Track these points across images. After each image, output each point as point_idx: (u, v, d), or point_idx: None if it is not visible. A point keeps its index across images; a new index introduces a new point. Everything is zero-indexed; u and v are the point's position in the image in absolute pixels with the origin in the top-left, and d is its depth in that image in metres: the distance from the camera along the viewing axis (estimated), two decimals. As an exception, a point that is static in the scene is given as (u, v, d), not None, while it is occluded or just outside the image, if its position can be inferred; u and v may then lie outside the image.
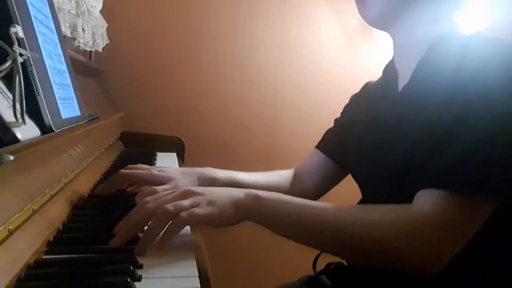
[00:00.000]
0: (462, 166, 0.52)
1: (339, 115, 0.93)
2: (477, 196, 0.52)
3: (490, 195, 0.52)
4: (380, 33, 1.90)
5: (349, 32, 1.79)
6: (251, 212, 0.56)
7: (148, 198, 0.55)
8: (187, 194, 0.55)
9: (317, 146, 0.91)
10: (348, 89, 1.74)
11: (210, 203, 0.54)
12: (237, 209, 0.55)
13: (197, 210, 0.52)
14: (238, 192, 0.57)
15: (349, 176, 0.85)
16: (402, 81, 0.68)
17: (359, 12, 0.69)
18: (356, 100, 0.88)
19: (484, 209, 0.52)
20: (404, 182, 0.60)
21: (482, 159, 0.51)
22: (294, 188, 0.89)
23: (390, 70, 0.75)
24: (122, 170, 0.73)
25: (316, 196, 0.89)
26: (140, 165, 0.78)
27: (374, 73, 0.89)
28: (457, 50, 0.60)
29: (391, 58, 0.76)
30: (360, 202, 0.79)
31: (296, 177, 0.91)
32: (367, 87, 0.86)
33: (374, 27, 0.71)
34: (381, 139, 0.68)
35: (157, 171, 0.75)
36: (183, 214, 0.51)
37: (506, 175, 0.51)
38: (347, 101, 0.94)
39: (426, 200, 0.53)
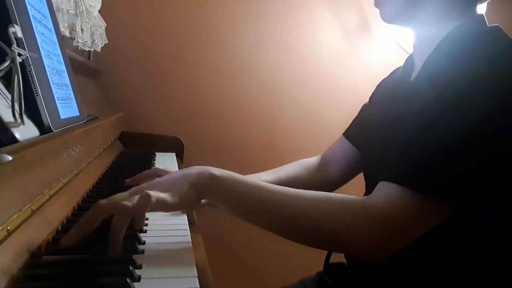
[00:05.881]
0: (426, 167, 0.51)
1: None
2: (432, 200, 0.51)
3: (446, 202, 0.51)
4: (379, 33, 1.90)
5: (348, 32, 1.79)
6: (208, 190, 0.55)
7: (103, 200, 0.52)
8: (142, 188, 0.53)
9: (344, 133, 0.91)
10: (347, 89, 1.76)
11: (167, 188, 0.53)
12: (194, 188, 0.54)
13: (154, 194, 0.50)
14: (193, 171, 0.56)
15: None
16: (415, 73, 0.69)
17: (380, 11, 0.68)
18: (382, 86, 0.87)
19: (436, 214, 0.52)
20: None
21: (447, 164, 0.50)
22: (319, 175, 0.89)
23: (409, 61, 0.75)
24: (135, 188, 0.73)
25: (339, 183, 0.89)
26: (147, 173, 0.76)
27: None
28: (464, 45, 0.59)
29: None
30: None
31: (321, 164, 0.91)
32: (394, 72, 0.85)
33: (394, 24, 0.69)
34: (390, 131, 0.67)
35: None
36: (140, 201, 0.49)
37: (467, 185, 0.51)
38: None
39: (382, 193, 0.53)
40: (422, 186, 0.51)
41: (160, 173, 0.74)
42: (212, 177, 0.55)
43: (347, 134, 0.90)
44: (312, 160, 0.92)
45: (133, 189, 0.55)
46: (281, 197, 0.56)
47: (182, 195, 0.53)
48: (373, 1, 0.68)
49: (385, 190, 0.53)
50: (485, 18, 0.63)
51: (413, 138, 0.54)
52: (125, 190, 0.75)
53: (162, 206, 0.52)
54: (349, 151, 0.88)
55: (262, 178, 0.83)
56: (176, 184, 0.54)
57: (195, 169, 0.57)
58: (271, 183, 0.81)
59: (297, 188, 0.87)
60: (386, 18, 0.68)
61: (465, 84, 0.52)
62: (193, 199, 0.55)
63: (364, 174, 0.79)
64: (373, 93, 0.89)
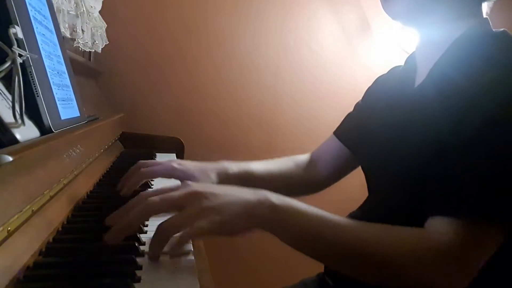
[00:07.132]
0: (480, 195, 0.49)
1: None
2: (493, 225, 0.50)
3: (504, 225, 0.50)
4: (379, 33, 1.90)
5: (348, 32, 1.79)
6: (266, 221, 0.50)
7: (151, 191, 0.51)
8: (193, 196, 0.49)
9: (334, 132, 0.88)
10: (347, 89, 1.76)
11: (219, 211, 0.48)
12: (250, 218, 0.49)
13: (202, 224, 0.47)
14: (252, 197, 0.51)
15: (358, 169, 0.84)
16: (419, 78, 0.66)
17: (382, 6, 0.65)
18: (381, 84, 0.83)
19: (497, 238, 0.51)
20: (412, 187, 0.58)
21: (499, 187, 0.49)
22: (308, 173, 0.87)
23: (411, 62, 0.72)
24: (144, 169, 0.70)
25: (328, 182, 0.87)
26: (157, 161, 0.75)
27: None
28: (475, 52, 0.58)
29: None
30: (366, 200, 0.78)
31: (311, 162, 0.89)
32: (393, 71, 0.82)
33: (398, 21, 0.67)
34: (393, 137, 0.66)
35: (176, 164, 0.72)
36: (189, 229, 0.47)
37: None
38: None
39: (444, 228, 0.51)
40: (483, 214, 0.49)
41: (178, 174, 0.71)
42: (273, 207, 0.50)
43: (338, 133, 0.87)
44: (303, 157, 0.90)
45: (185, 191, 0.50)
46: (345, 233, 0.52)
47: (235, 223, 0.49)
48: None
49: (446, 225, 0.51)
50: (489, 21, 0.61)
51: (454, 164, 0.52)
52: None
53: (212, 234, 0.48)
54: (339, 151, 0.85)
55: (253, 168, 0.81)
56: (229, 209, 0.49)
57: (254, 195, 0.51)
58: (261, 175, 0.81)
59: (288, 184, 0.86)
60: (394, 14, 0.64)
61: (493, 108, 0.50)
62: (245, 228, 0.49)
63: (366, 177, 0.77)
64: (369, 91, 0.86)
